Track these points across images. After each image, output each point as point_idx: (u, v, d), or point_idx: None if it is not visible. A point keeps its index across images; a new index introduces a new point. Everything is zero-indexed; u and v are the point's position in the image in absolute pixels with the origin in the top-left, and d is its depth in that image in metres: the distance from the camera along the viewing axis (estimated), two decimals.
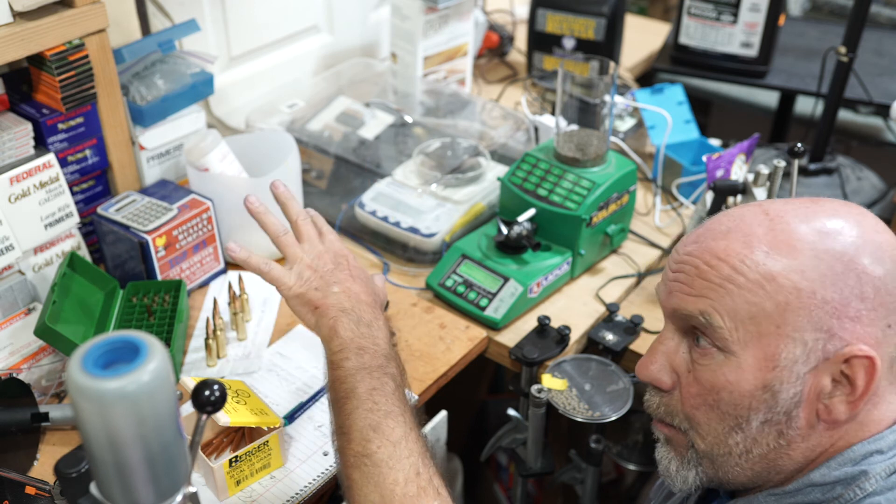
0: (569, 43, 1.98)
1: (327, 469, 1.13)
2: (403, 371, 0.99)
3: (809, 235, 0.79)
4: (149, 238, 1.30)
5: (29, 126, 1.24)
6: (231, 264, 1.48)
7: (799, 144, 1.28)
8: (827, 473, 0.79)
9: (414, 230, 1.46)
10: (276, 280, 1.03)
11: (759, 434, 0.81)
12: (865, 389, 0.77)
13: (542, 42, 2.01)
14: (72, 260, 1.27)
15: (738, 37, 1.94)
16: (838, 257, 0.77)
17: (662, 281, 0.89)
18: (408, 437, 0.90)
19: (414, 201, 1.50)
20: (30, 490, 0.99)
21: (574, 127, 1.45)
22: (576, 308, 1.42)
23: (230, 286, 1.33)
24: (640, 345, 1.36)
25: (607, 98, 1.40)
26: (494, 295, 1.36)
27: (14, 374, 1.15)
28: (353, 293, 1.02)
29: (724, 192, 1.39)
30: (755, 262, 0.79)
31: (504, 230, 1.38)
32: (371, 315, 1.01)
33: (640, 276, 1.49)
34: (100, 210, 1.34)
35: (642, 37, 2.29)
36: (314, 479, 1.12)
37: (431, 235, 1.45)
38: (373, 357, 0.95)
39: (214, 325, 1.27)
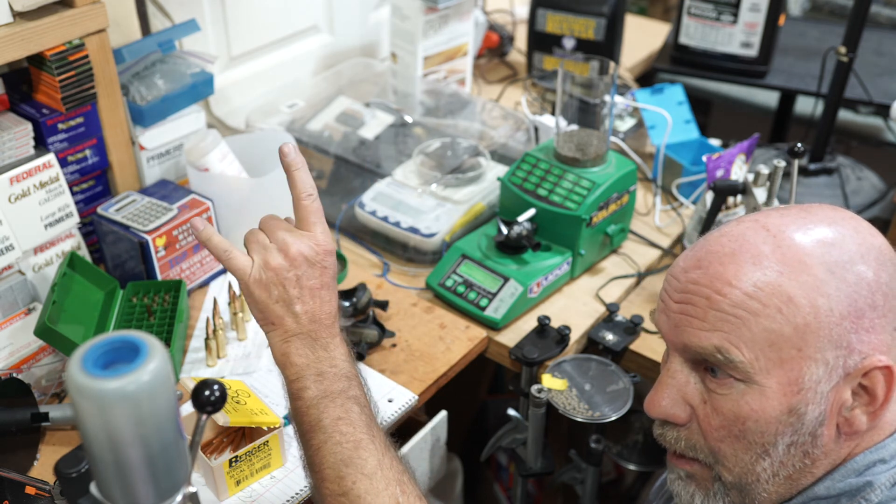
0: (569, 43, 1.98)
1: None
2: (365, 383, 0.92)
3: (816, 249, 0.76)
4: (149, 238, 1.30)
5: (29, 126, 1.24)
6: None
7: (799, 144, 1.28)
8: (831, 486, 0.78)
9: (414, 230, 1.46)
10: (231, 268, 0.91)
11: (785, 457, 0.78)
12: (886, 399, 0.76)
13: (542, 42, 2.01)
14: (72, 260, 1.27)
15: (738, 37, 1.94)
16: (848, 268, 0.76)
17: (663, 311, 0.83)
18: (381, 465, 0.85)
19: (414, 201, 1.50)
20: (30, 490, 0.99)
21: (574, 127, 1.45)
22: (576, 308, 1.42)
23: (230, 286, 1.34)
24: (640, 345, 1.36)
25: (607, 98, 1.40)
26: (494, 295, 1.36)
27: (14, 374, 1.15)
28: (314, 314, 0.90)
29: (724, 192, 1.39)
30: (770, 285, 0.75)
31: (504, 230, 1.38)
32: (328, 332, 0.91)
33: (640, 276, 1.49)
34: (100, 210, 1.34)
35: (642, 37, 2.29)
36: None
37: (431, 235, 1.45)
38: (333, 381, 0.88)
39: (214, 325, 1.27)
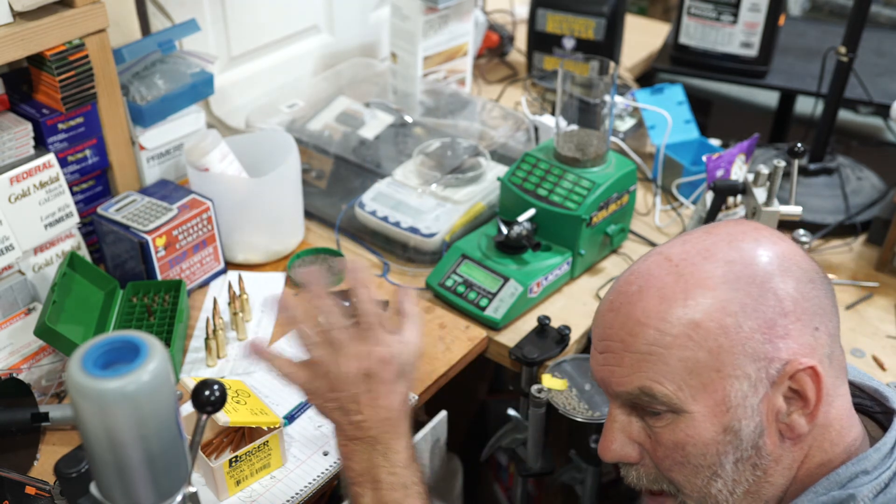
0: (569, 43, 1.98)
1: (327, 469, 1.13)
2: (423, 481, 0.88)
3: (717, 269, 0.78)
4: (149, 238, 1.30)
5: (29, 126, 1.24)
6: (231, 264, 1.48)
7: (799, 144, 1.28)
8: (814, 499, 0.79)
9: (414, 230, 1.46)
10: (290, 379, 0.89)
11: (735, 474, 0.80)
12: (818, 398, 0.78)
13: (542, 42, 2.01)
14: (72, 260, 1.27)
15: (738, 37, 1.94)
16: (751, 281, 0.77)
17: (593, 361, 0.86)
18: None
19: (414, 201, 1.50)
20: (30, 490, 0.99)
21: (574, 127, 1.45)
22: (576, 308, 1.42)
23: (230, 286, 1.34)
24: None
25: (607, 98, 1.40)
26: (494, 295, 1.36)
27: (14, 374, 1.15)
28: (374, 419, 0.86)
29: (724, 192, 1.39)
30: (676, 316, 0.77)
31: (504, 230, 1.38)
32: (391, 435, 0.86)
33: None
34: (100, 210, 1.34)
35: (642, 37, 2.29)
36: (314, 479, 1.12)
37: (431, 235, 1.45)
38: (389, 490, 0.85)
39: (214, 325, 1.27)
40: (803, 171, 1.78)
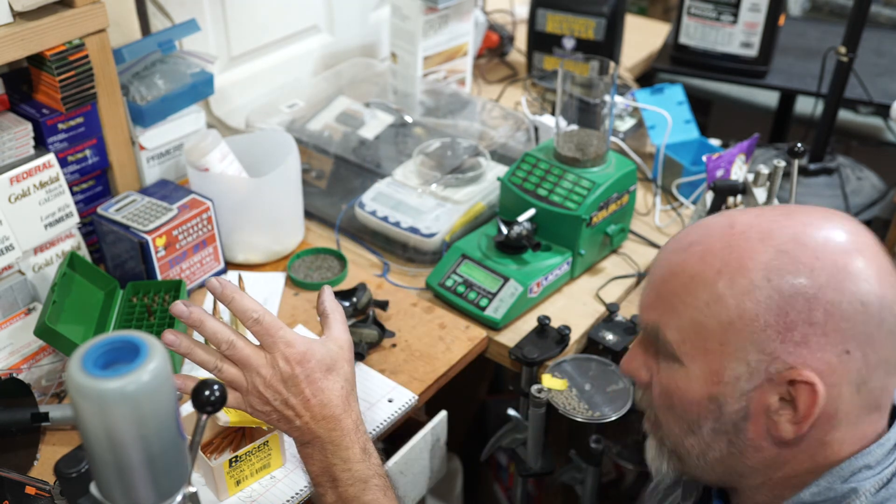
0: (569, 43, 1.98)
1: None
2: (384, 475, 0.92)
3: (765, 255, 0.77)
4: (149, 238, 1.30)
5: (29, 126, 1.24)
6: (231, 264, 1.48)
7: (799, 144, 1.28)
8: (817, 493, 0.79)
9: (414, 230, 1.46)
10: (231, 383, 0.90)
11: (710, 439, 0.82)
12: (807, 414, 0.77)
13: (542, 42, 2.01)
14: (72, 260, 1.27)
15: (738, 37, 1.94)
16: (788, 280, 0.76)
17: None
18: None
19: (414, 201, 1.50)
20: (30, 490, 0.99)
21: (574, 127, 1.45)
22: (576, 308, 1.42)
23: None
24: None
25: (607, 98, 1.40)
26: (494, 295, 1.36)
27: (14, 374, 1.15)
28: (315, 421, 0.89)
29: (724, 192, 1.39)
30: (704, 282, 0.79)
31: (504, 230, 1.38)
32: (337, 433, 0.88)
33: (640, 276, 1.49)
34: (100, 210, 1.34)
35: (642, 37, 2.29)
36: None
37: (431, 235, 1.45)
38: (347, 486, 0.88)
39: None
40: (803, 171, 1.78)
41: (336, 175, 1.60)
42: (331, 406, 0.88)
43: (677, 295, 0.80)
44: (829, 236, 0.78)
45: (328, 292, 0.96)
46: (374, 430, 1.18)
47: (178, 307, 0.88)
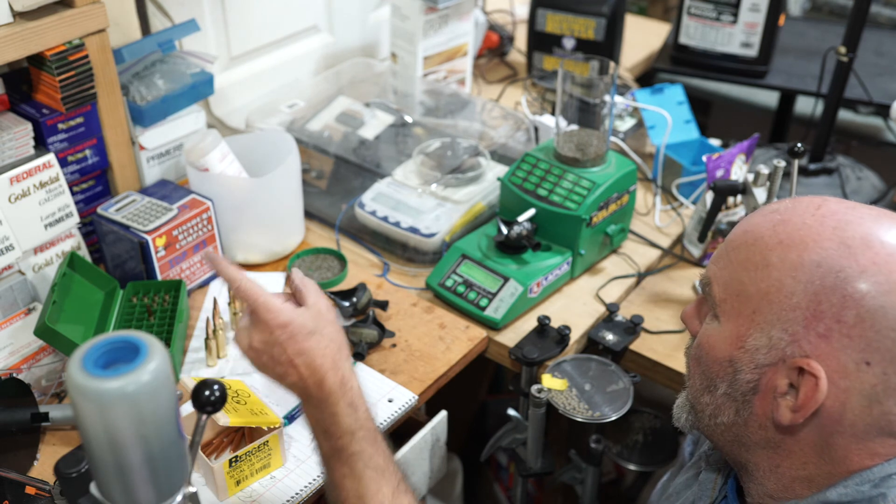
0: (569, 43, 1.98)
1: None
2: (372, 427, 0.93)
3: (829, 243, 0.77)
4: (149, 238, 1.30)
5: (29, 126, 1.24)
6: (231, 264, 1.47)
7: (799, 144, 1.28)
8: (844, 493, 0.79)
9: (414, 230, 1.46)
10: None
11: (722, 403, 0.85)
12: (803, 404, 0.77)
13: (542, 42, 2.01)
14: (72, 260, 1.27)
15: (738, 37, 1.94)
16: (836, 272, 0.76)
17: None
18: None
19: (414, 201, 1.50)
20: (30, 490, 0.99)
21: (574, 127, 1.45)
22: (576, 308, 1.42)
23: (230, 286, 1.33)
24: (640, 345, 1.36)
25: (607, 98, 1.40)
26: (494, 295, 1.36)
27: (14, 374, 1.15)
28: (301, 381, 0.92)
29: (724, 192, 1.39)
30: (764, 247, 0.80)
31: (504, 230, 1.38)
32: (324, 391, 0.91)
33: (640, 276, 1.49)
34: (100, 210, 1.34)
35: (642, 37, 2.29)
36: (314, 479, 1.12)
37: (431, 235, 1.45)
38: (336, 439, 0.92)
39: (214, 325, 1.27)
40: (803, 171, 1.78)
41: (336, 175, 1.60)
42: (314, 366, 0.91)
43: (738, 252, 0.83)
44: None
45: (296, 271, 1.00)
46: None
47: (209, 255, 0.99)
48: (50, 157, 1.26)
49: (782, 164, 1.34)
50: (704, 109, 2.44)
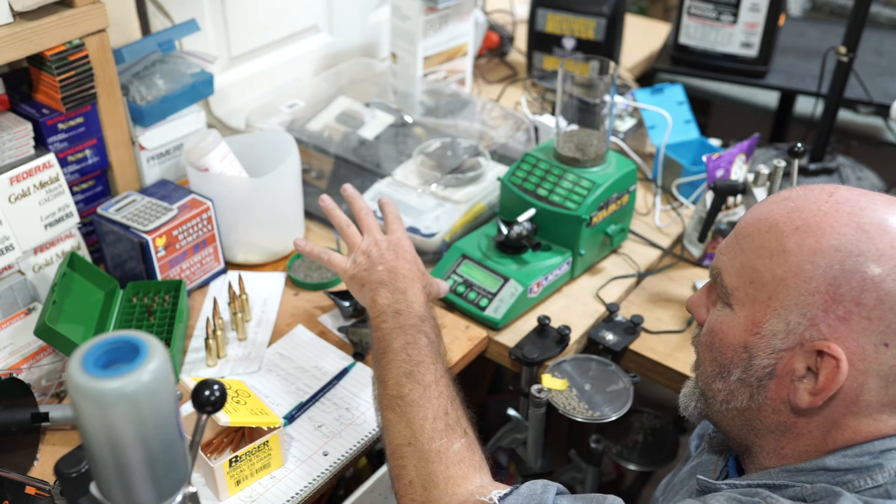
0: (569, 43, 1.98)
1: (327, 469, 1.13)
2: (438, 330, 1.10)
3: (846, 228, 0.78)
4: (149, 238, 1.30)
5: (29, 126, 1.24)
6: (231, 264, 1.48)
7: (799, 144, 1.28)
8: (842, 461, 0.80)
9: (414, 230, 1.46)
10: (333, 265, 1.23)
11: (735, 389, 0.85)
12: (824, 387, 0.78)
13: (542, 42, 2.01)
14: (72, 260, 1.27)
15: (738, 37, 1.94)
16: (854, 255, 0.77)
17: None
18: (438, 382, 1.01)
19: (414, 201, 1.50)
20: (30, 490, 0.99)
21: (574, 127, 1.45)
22: (576, 308, 1.42)
23: (230, 286, 1.33)
24: (640, 345, 1.36)
25: (607, 98, 1.40)
26: (494, 295, 1.36)
27: (14, 374, 1.15)
28: (394, 268, 1.15)
29: (724, 192, 1.39)
30: (779, 233, 0.81)
31: (504, 230, 1.38)
32: (407, 283, 1.13)
33: (640, 276, 1.49)
34: (100, 210, 1.34)
35: (642, 37, 2.29)
36: (314, 479, 1.12)
37: (431, 235, 1.45)
38: (407, 318, 1.08)
39: (214, 325, 1.27)
40: (803, 171, 1.78)
41: (336, 175, 1.60)
42: (402, 270, 1.16)
43: (751, 239, 0.83)
44: None
45: (386, 201, 1.30)
46: (374, 429, 1.18)
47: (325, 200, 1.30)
48: (50, 157, 1.26)
49: (782, 164, 1.34)
50: (704, 109, 2.44)
